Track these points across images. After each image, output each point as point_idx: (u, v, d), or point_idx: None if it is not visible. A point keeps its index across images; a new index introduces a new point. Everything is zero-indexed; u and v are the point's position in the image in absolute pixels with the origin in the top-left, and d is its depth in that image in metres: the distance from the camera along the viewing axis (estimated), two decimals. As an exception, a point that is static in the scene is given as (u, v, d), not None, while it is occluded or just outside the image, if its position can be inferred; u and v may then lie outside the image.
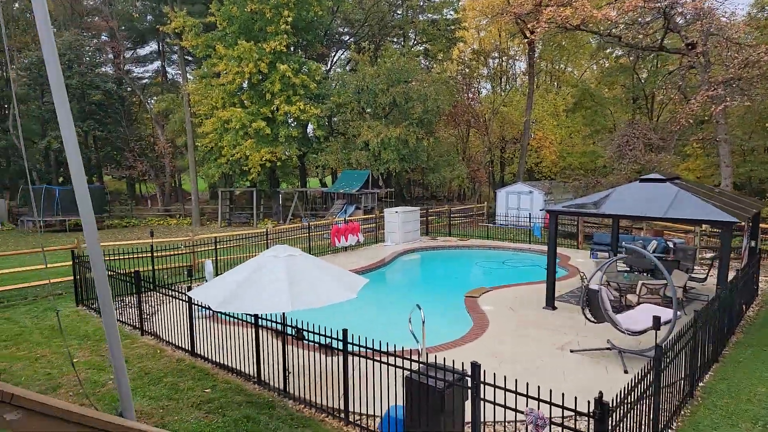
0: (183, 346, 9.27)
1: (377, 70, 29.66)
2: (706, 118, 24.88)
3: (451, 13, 36.57)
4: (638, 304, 9.94)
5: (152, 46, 47.56)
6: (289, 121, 30.24)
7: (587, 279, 11.78)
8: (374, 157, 29.84)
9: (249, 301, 6.59)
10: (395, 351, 6.49)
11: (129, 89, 41.63)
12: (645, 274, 12.26)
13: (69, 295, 12.89)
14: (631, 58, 36.58)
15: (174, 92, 39.69)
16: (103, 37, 40.82)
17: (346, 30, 40.56)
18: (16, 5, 38.00)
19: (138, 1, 40.83)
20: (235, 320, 8.54)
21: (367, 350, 6.43)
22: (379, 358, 6.37)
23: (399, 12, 38.13)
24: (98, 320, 11.03)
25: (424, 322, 8.76)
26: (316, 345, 7.52)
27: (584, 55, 42.15)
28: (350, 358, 6.70)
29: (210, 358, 8.73)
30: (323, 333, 7.11)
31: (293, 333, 7.56)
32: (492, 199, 39.02)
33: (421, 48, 38.98)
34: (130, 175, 39.19)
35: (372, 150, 29.46)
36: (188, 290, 9.06)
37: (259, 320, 7.87)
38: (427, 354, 8.51)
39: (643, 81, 36.10)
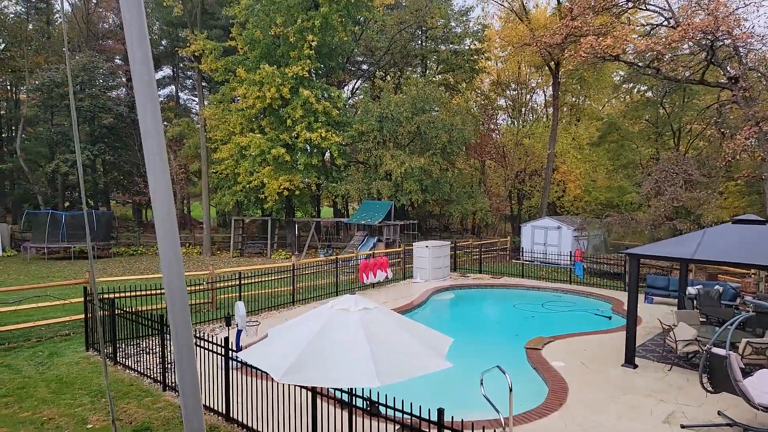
0: (216, 408, 7.78)
1: (402, 98, 28.70)
2: (741, 156, 23.62)
3: (475, 43, 35.84)
4: (742, 367, 8.44)
5: (166, 71, 47.16)
6: (308, 149, 29.12)
7: (672, 333, 10.32)
8: (396, 187, 28.61)
9: (324, 372, 5.15)
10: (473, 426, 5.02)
11: (141, 113, 40.71)
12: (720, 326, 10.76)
13: (78, 337, 11.43)
14: (658, 92, 35.70)
15: (186, 117, 38.81)
16: (117, 60, 40.09)
17: (364, 59, 39.91)
18: (30, 26, 37.49)
19: (155, 25, 40.39)
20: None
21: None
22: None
23: (420, 41, 37.51)
24: (113, 370, 9.55)
25: (511, 390, 7.28)
26: (392, 420, 6.04)
27: (605, 89, 41.34)
28: (449, 446, 5.24)
29: (249, 425, 7.24)
30: (404, 409, 5.67)
31: (365, 405, 6.12)
32: (510, 233, 37.73)
33: (442, 78, 38.20)
34: (139, 201, 37.97)
35: (394, 180, 28.24)
36: (225, 341, 7.65)
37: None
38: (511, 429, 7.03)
39: (668, 115, 35.15)
